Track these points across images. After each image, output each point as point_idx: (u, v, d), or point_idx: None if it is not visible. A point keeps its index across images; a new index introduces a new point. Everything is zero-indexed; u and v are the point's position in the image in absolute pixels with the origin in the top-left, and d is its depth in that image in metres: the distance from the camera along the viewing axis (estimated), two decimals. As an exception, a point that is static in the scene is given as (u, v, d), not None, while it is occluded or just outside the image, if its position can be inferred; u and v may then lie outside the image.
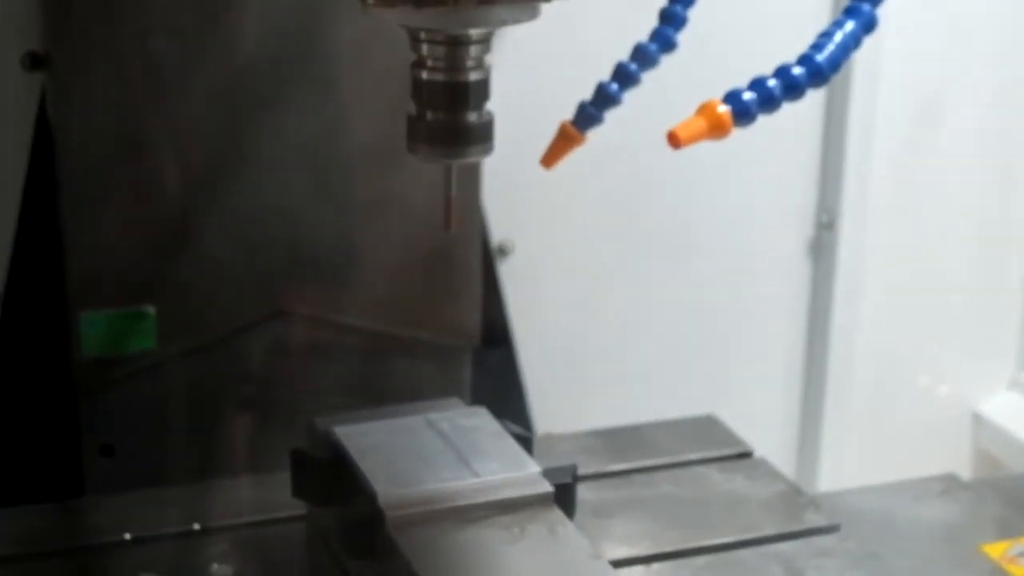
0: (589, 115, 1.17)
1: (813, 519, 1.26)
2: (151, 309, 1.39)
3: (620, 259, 1.75)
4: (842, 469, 1.90)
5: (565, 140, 1.17)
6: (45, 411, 1.40)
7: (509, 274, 1.65)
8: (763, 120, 1.02)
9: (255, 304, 1.42)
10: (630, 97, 1.19)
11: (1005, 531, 1.31)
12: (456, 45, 1.00)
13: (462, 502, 1.07)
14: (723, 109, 1.03)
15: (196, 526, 1.21)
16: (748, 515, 1.27)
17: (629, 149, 1.58)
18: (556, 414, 1.64)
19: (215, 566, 1.14)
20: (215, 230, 1.39)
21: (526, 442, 1.16)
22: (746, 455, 1.38)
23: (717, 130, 1.05)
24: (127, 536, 1.20)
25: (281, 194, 1.40)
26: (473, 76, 1.01)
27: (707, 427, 1.43)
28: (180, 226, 1.38)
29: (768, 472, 1.35)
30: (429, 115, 1.02)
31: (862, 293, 1.86)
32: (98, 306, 1.37)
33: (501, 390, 1.57)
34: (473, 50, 1.01)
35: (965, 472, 1.83)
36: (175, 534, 1.21)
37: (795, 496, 1.31)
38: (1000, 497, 1.37)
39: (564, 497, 1.10)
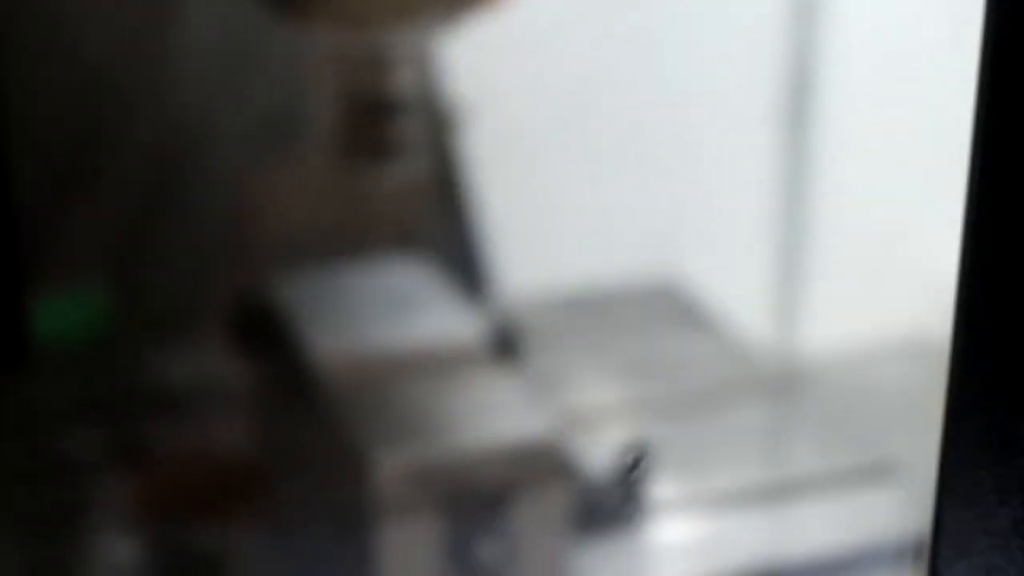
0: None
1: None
2: (106, 297, 1.32)
3: (580, 95, 1.69)
4: (816, 329, 1.87)
5: None
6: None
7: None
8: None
9: (215, 292, 1.34)
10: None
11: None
12: None
13: (402, 355, 1.02)
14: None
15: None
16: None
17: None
18: (510, 263, 1.59)
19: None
20: (175, 215, 1.30)
21: (474, 294, 1.13)
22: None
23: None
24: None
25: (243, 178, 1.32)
26: None
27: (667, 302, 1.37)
28: (138, 211, 1.30)
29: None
30: None
31: (843, 143, 1.81)
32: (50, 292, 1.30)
33: (448, 237, 1.53)
34: None
35: (941, 336, 1.79)
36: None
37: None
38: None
39: (509, 353, 1.06)
